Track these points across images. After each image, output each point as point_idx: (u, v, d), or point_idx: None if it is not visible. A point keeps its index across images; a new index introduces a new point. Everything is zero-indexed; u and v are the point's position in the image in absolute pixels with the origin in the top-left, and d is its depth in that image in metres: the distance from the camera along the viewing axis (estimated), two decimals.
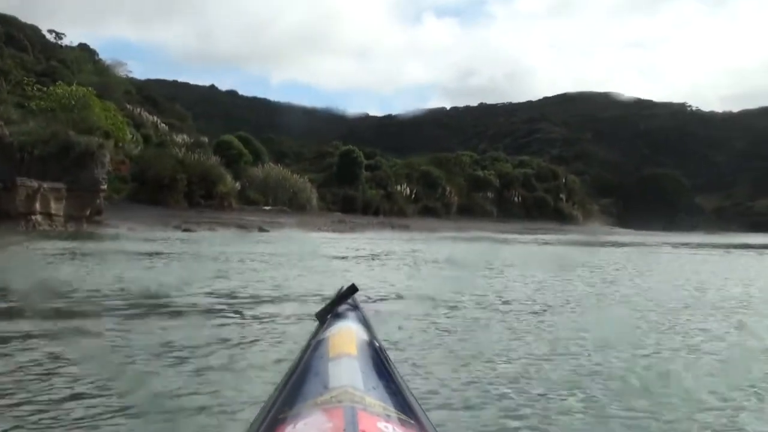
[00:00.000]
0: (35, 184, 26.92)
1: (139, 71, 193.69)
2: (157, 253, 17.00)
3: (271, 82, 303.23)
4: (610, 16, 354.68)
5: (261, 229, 36.64)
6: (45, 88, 33.73)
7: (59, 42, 79.36)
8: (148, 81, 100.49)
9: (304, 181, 55.72)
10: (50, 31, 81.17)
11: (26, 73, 35.96)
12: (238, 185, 49.55)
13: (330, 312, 2.48)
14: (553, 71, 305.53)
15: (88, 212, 29.62)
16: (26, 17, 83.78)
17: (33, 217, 26.93)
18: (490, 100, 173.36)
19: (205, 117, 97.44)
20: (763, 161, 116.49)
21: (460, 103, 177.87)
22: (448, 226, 55.38)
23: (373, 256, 19.26)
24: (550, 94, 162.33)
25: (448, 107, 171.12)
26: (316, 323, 2.46)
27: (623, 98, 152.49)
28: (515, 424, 4.07)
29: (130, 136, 41.56)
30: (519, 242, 37.92)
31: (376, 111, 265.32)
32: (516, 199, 74.66)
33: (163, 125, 60.54)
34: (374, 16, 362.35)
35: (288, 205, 51.50)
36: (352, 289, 2.65)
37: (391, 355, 2.23)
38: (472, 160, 79.31)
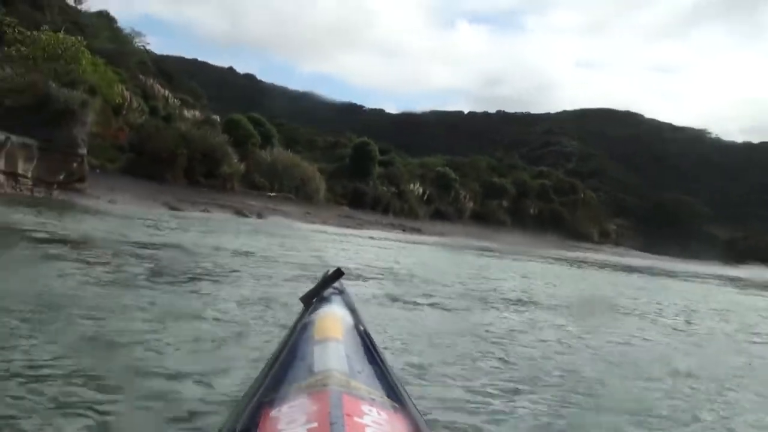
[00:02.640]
0: (2, 137, 22.50)
1: (161, 47, 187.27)
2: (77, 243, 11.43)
3: (294, 71, 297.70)
4: (640, 39, 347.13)
5: (260, 216, 32.38)
6: (28, 33, 29.22)
7: (78, 6, 75.47)
8: (168, 57, 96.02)
9: (314, 169, 51.27)
10: None
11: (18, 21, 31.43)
12: (243, 167, 45.32)
13: (316, 296, 2.39)
14: (576, 87, 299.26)
15: (61, 177, 25.00)
16: None
17: None
18: (510, 109, 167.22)
19: (222, 99, 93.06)
20: None
21: (480, 110, 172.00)
22: (462, 231, 51.12)
23: (390, 275, 13.19)
24: (569, 108, 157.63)
25: (465, 111, 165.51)
26: (302, 307, 2.34)
27: (643, 119, 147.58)
28: None
29: (121, 100, 37.01)
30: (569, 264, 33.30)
31: (397, 109, 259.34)
32: (532, 210, 70.00)
33: (175, 100, 56.28)
34: (409, 17, 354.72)
35: (294, 193, 47.20)
36: (338, 273, 2.54)
37: (377, 339, 2.00)
38: (489, 166, 74.80)
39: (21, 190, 23.18)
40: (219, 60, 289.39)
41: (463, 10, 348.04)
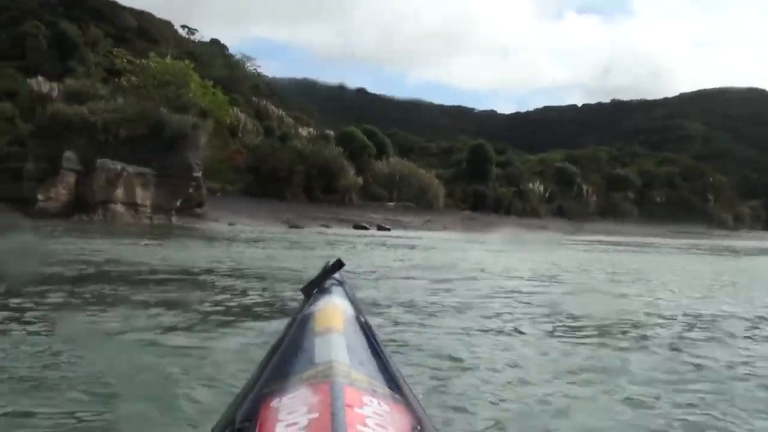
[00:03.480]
0: (118, 167, 21.92)
1: (274, 70, 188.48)
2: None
3: (404, 81, 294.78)
4: (758, 10, 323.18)
5: (380, 228, 30.97)
6: (137, 61, 28.81)
7: (191, 37, 76.93)
8: (281, 78, 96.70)
9: (431, 176, 49.72)
10: (183, 27, 78.90)
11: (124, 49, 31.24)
12: (360, 179, 44.37)
13: (316, 287, 2.32)
14: (693, 68, 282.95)
15: (178, 203, 24.37)
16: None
17: (112, 206, 21.90)
18: (624, 97, 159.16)
19: (334, 114, 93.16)
20: None
21: (594, 101, 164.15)
22: (588, 227, 48.37)
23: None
24: (687, 90, 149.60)
25: (579, 104, 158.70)
26: (302, 298, 2.34)
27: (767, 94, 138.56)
28: None
29: (236, 122, 36.51)
30: None
31: (509, 109, 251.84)
32: (659, 199, 65.90)
33: (289, 119, 56.22)
34: (515, 15, 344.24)
35: (414, 201, 45.79)
36: (339, 264, 2.44)
37: (377, 331, 1.93)
38: (610, 157, 71.18)
39: (141, 219, 22.57)
40: (330, 77, 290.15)
41: (570, 1, 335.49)
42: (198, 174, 24.96)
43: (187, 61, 30.18)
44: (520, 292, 9.40)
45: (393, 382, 1.33)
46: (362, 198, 42.91)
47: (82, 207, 21.45)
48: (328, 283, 2.34)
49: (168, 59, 29.64)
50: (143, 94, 25.41)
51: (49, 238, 14.80)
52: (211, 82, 31.60)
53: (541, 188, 58.00)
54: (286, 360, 1.41)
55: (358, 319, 1.85)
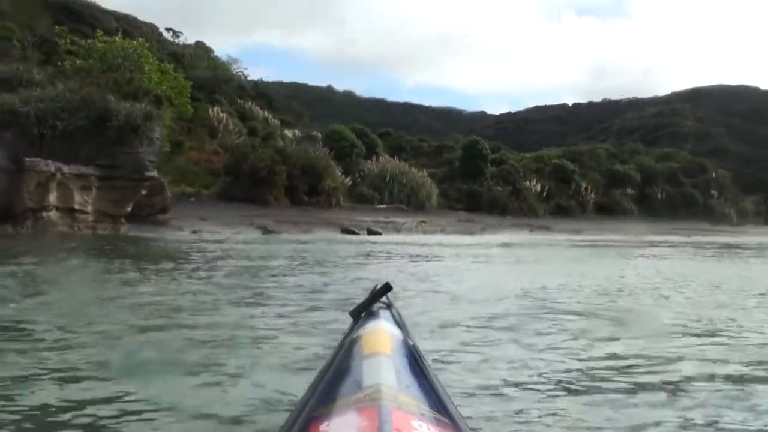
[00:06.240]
0: (51, 167, 17.60)
1: (270, 74, 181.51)
2: None
3: (403, 85, 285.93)
4: (755, 7, 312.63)
5: (371, 232, 26.84)
6: (82, 41, 24.51)
7: (176, 40, 73.09)
8: (268, 82, 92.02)
9: (423, 175, 45.73)
10: (167, 29, 75.15)
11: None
12: (348, 180, 40.48)
13: (364, 310, 2.33)
14: (686, 67, 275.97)
15: (129, 208, 20.06)
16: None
17: (45, 214, 17.63)
18: (615, 97, 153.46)
19: (323, 117, 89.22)
20: None
21: (585, 101, 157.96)
22: (591, 226, 44.48)
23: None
24: (679, 89, 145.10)
25: (570, 104, 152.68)
26: (350, 322, 2.28)
27: (759, 92, 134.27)
28: None
29: (212, 118, 32.28)
30: None
31: (500, 110, 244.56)
32: (660, 195, 61.92)
33: (275, 121, 52.29)
34: (516, 18, 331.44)
35: (406, 202, 41.83)
36: (386, 288, 2.41)
37: (425, 354, 1.92)
38: (608, 153, 67.21)
39: (80, 229, 18.32)
40: (324, 81, 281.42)
41: (571, 4, 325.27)
42: (152, 173, 20.42)
43: (141, 40, 25.83)
44: None
45: (441, 405, 1.28)
46: (351, 200, 39.02)
47: (11, 217, 17.27)
48: (376, 306, 2.28)
49: (118, 38, 25.21)
50: (87, 79, 21.08)
51: None
52: (172, 66, 27.29)
53: (538, 187, 54.01)
54: (334, 384, 1.38)
55: (405, 342, 1.80)
